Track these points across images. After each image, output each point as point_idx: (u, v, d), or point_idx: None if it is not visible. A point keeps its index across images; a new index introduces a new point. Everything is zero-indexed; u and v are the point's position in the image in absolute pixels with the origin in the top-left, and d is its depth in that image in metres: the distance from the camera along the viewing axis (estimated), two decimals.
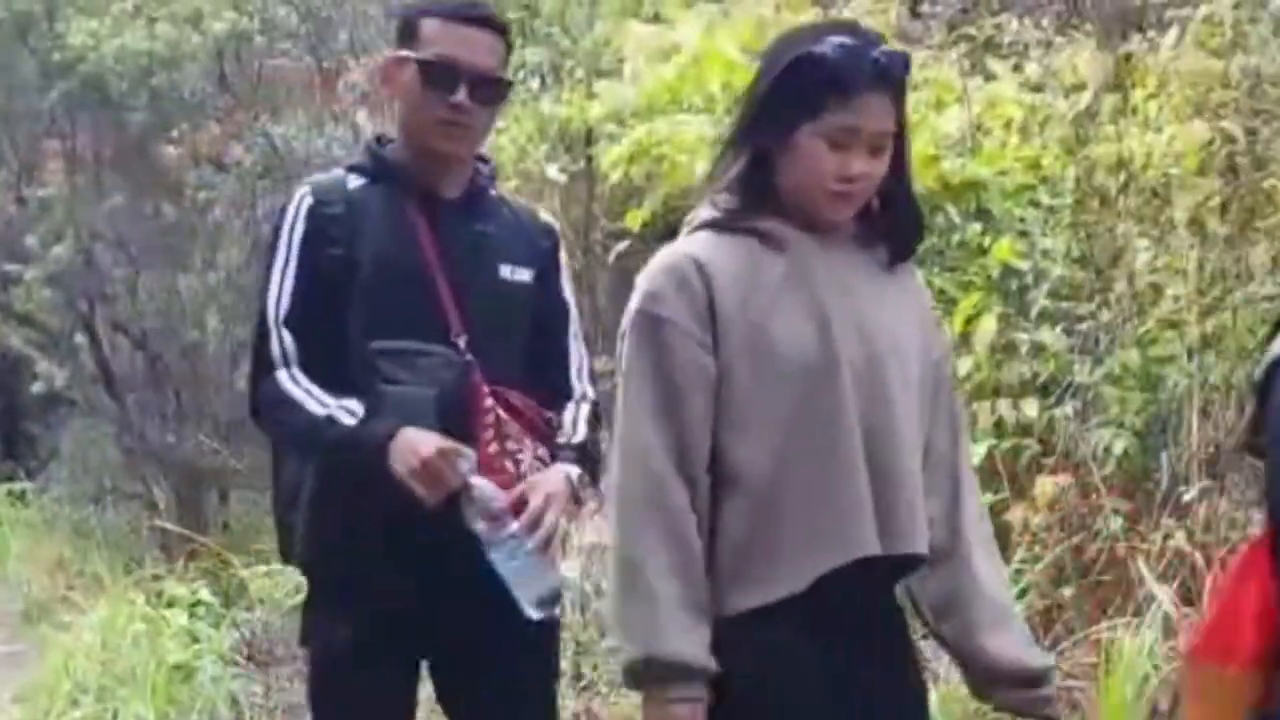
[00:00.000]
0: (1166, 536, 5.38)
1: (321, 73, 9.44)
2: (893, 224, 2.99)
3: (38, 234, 9.93)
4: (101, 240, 10.08)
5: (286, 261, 3.46)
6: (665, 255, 2.91)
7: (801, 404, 2.81)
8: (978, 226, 6.27)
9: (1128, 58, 6.37)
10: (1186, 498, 5.42)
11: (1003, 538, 5.69)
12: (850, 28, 2.92)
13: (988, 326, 5.87)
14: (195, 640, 6.93)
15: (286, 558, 3.62)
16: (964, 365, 5.89)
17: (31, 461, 13.60)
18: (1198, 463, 5.54)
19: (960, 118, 6.55)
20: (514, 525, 3.30)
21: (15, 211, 10.60)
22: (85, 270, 9.99)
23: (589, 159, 7.87)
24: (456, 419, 3.36)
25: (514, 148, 8.05)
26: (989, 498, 5.66)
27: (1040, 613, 5.44)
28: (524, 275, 3.55)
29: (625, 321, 2.92)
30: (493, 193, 3.62)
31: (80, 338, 10.55)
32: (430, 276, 3.44)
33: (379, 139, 3.61)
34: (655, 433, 2.81)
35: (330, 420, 3.35)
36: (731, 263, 2.86)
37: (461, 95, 3.41)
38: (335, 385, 3.37)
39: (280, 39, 9.52)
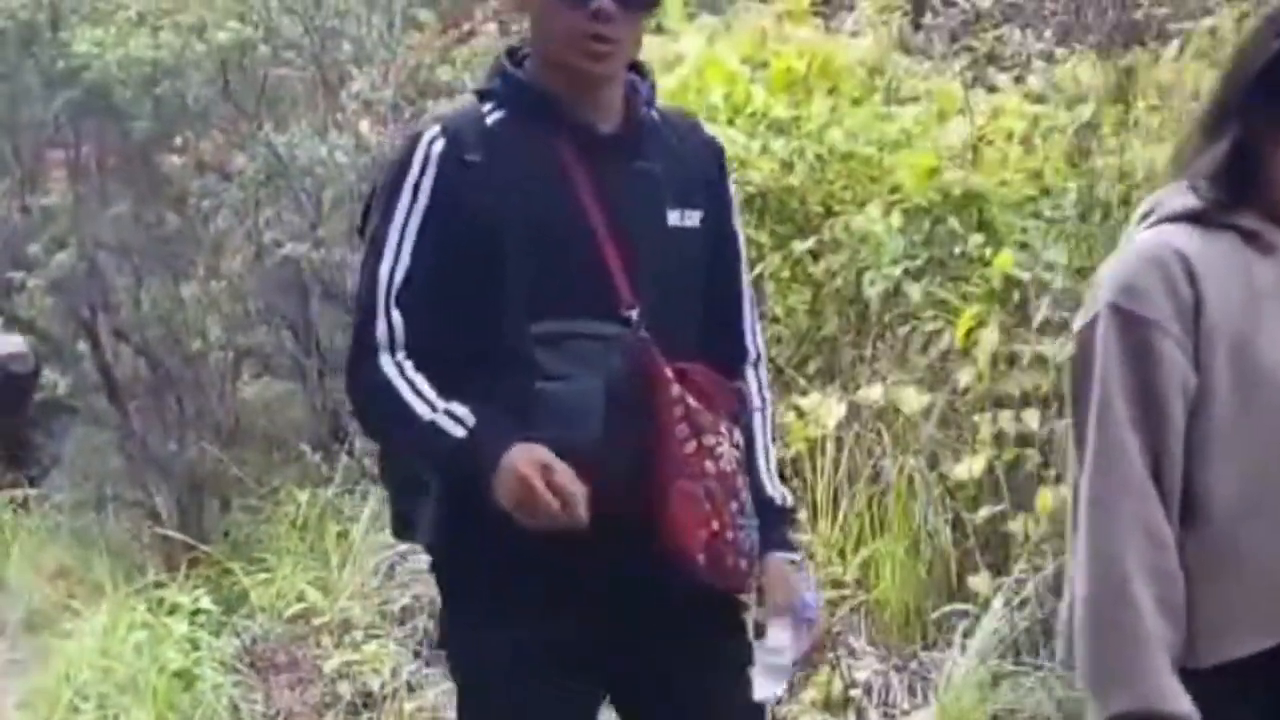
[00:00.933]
0: None
1: (325, 82, 9.44)
2: None
3: (41, 242, 9.95)
4: (104, 248, 10.10)
5: (407, 222, 2.82)
6: (1143, 244, 2.54)
7: None
8: (979, 238, 6.27)
9: (1129, 70, 6.38)
10: None
11: (1003, 549, 5.71)
12: None
13: (989, 338, 5.87)
14: (196, 648, 6.92)
15: (402, 535, 3.08)
16: (964, 377, 5.90)
17: (33, 469, 13.60)
18: None
19: (962, 129, 6.55)
20: (787, 630, 2.92)
21: (19, 219, 10.62)
22: (88, 278, 10.01)
23: None
24: (635, 414, 2.79)
25: None
26: (989, 509, 5.68)
27: (1040, 623, 5.44)
28: (693, 218, 2.93)
29: (1087, 313, 2.53)
30: (654, 115, 2.96)
31: (83, 345, 10.56)
32: (593, 236, 2.83)
33: (511, 52, 2.96)
34: (1141, 455, 2.42)
35: (435, 429, 2.77)
36: (1218, 263, 2.47)
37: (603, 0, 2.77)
38: (482, 382, 2.78)
39: (284, 48, 9.53)
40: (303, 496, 8.26)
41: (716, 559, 2.82)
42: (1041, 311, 5.93)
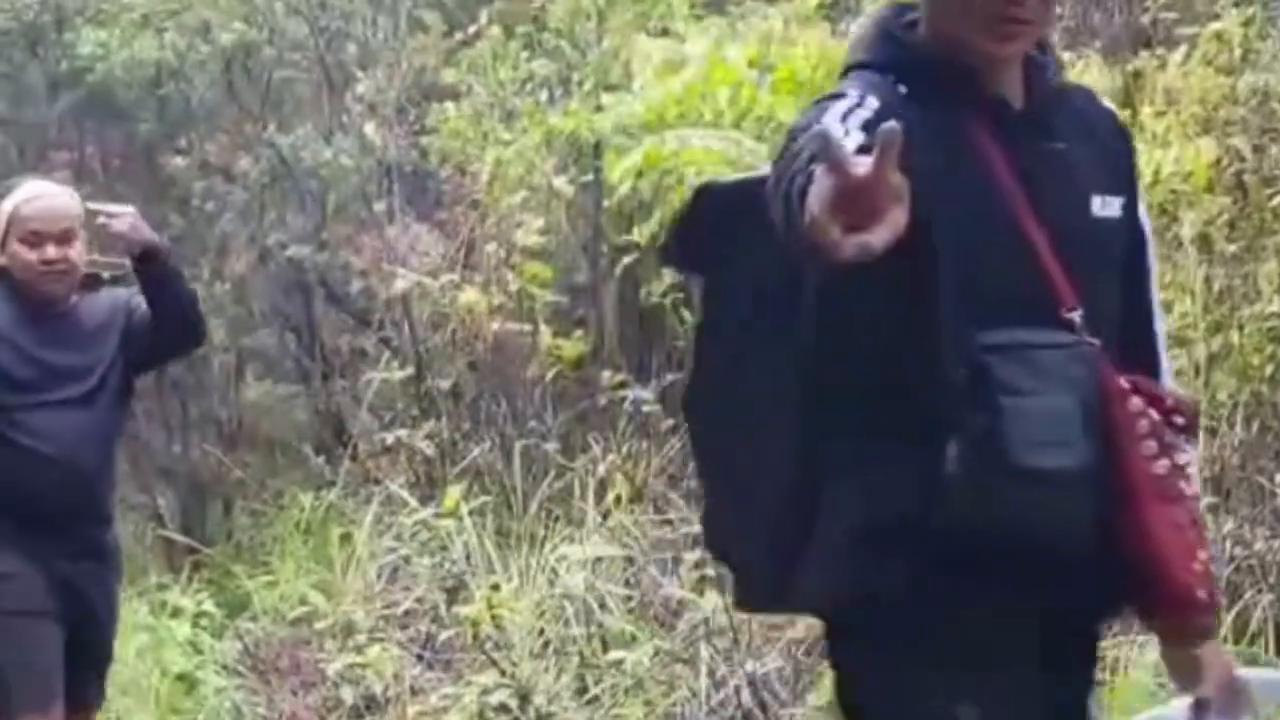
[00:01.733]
0: None
1: (330, 84, 9.44)
2: None
3: None
4: None
5: None
6: None
7: None
8: None
9: (1136, 75, 6.37)
10: None
11: None
12: None
13: None
14: (198, 651, 6.92)
15: (752, 605, 2.68)
16: None
17: None
18: (1203, 480, 5.53)
19: None
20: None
21: None
22: None
23: (597, 171, 7.86)
24: (1103, 433, 2.42)
25: (521, 160, 8.05)
26: None
27: None
28: (1114, 206, 2.53)
29: None
30: (1056, 92, 2.59)
31: None
32: (1020, 226, 2.43)
33: (900, 10, 2.57)
34: None
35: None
36: None
37: None
38: (923, 405, 2.39)
39: (289, 50, 9.53)
40: (306, 499, 8.26)
41: (1211, 595, 2.45)
42: None
